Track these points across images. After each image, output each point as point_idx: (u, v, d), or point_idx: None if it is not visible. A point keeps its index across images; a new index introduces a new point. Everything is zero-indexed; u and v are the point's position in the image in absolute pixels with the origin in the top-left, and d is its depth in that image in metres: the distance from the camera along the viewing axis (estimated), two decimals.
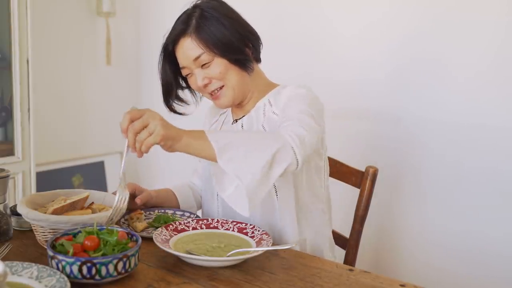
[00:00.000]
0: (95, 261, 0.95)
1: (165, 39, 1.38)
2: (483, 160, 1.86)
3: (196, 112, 1.51)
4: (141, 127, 1.07)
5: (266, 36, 1.44)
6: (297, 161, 1.14)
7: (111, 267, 0.96)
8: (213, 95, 1.38)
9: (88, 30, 2.92)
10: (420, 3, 1.98)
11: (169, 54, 1.39)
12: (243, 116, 1.44)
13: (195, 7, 1.36)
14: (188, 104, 1.47)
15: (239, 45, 1.33)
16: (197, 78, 1.34)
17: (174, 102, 1.45)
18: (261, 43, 1.41)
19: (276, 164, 1.12)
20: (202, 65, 1.33)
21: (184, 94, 1.47)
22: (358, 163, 1.63)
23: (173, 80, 1.42)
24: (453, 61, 1.91)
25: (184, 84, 1.45)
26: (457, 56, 1.90)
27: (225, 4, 1.38)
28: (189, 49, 1.32)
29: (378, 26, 2.10)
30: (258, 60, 1.42)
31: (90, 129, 2.99)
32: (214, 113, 1.58)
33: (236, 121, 1.45)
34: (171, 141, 1.09)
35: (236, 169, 1.09)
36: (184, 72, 1.39)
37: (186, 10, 1.37)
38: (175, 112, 1.46)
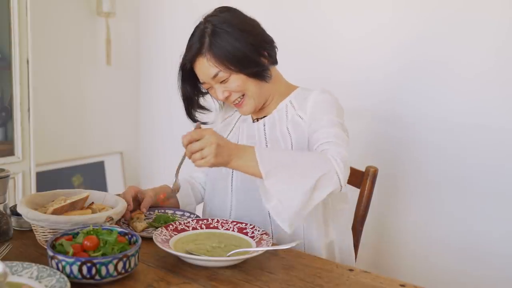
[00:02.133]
0: (95, 261, 0.95)
1: (181, 58, 1.40)
2: (484, 161, 1.86)
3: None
4: (197, 149, 1.12)
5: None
6: (341, 185, 1.18)
7: (111, 267, 0.96)
8: (236, 104, 1.41)
9: (88, 30, 2.92)
10: (422, 6, 1.98)
11: (187, 70, 1.41)
12: (264, 116, 1.46)
13: (206, 21, 1.36)
14: (210, 111, 1.51)
15: (254, 57, 1.34)
16: (217, 92, 1.38)
17: (197, 112, 1.48)
18: (276, 47, 1.42)
19: (318, 189, 1.15)
20: (221, 81, 1.35)
21: (205, 101, 1.50)
22: (358, 163, 1.63)
23: (193, 92, 1.46)
24: (454, 61, 1.91)
25: (204, 90, 1.47)
26: (458, 56, 1.90)
27: (237, 13, 1.38)
28: (205, 68, 1.34)
29: (380, 28, 2.10)
30: (275, 63, 1.43)
31: (90, 129, 2.99)
32: (228, 109, 1.59)
33: (257, 120, 1.47)
34: (220, 165, 1.16)
35: (279, 193, 1.13)
36: (204, 87, 1.42)
37: (198, 25, 1.37)
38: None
